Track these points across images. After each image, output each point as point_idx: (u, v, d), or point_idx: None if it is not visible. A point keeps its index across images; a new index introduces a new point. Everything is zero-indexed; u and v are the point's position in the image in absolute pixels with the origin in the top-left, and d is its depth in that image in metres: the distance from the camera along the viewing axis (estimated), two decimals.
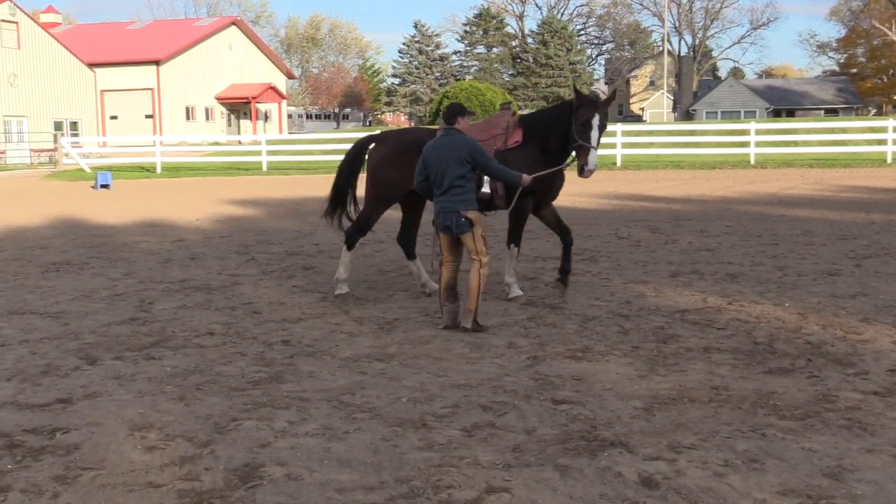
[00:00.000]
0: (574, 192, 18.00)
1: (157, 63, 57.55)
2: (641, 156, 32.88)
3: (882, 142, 31.14)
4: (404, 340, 7.44)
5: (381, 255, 12.12)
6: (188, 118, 60.18)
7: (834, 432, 5.03)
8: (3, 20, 46.89)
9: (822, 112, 74.85)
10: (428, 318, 8.21)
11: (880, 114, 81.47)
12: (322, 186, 26.23)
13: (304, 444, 5.02)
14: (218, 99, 63.50)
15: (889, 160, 30.13)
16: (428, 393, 5.92)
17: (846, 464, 4.57)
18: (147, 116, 58.06)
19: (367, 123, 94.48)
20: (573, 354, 6.86)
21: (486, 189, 8.29)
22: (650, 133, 36.19)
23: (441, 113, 8.24)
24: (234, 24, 66.81)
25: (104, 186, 27.06)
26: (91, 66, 53.31)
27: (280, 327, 8.02)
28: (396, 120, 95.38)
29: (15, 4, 47.73)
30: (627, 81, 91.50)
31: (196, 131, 57.41)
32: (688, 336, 7.36)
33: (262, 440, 5.08)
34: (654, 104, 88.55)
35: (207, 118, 62.44)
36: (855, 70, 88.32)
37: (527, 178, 8.01)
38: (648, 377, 6.23)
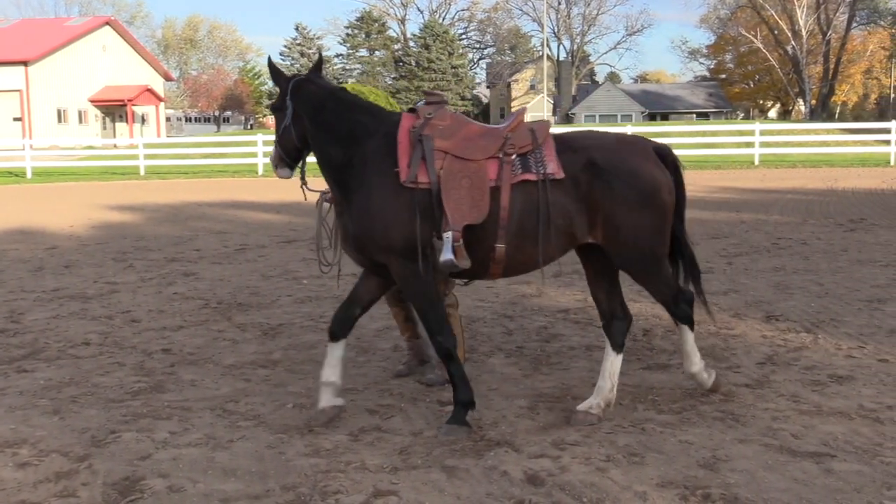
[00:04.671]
0: None
1: (25, 64, 55.14)
2: None
3: (750, 144, 32.50)
4: (289, 346, 7.35)
5: (263, 261, 11.94)
6: (60, 121, 57.87)
7: (709, 424, 5.22)
8: None
9: (694, 116, 77.67)
10: (313, 323, 8.14)
11: (748, 117, 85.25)
12: (203, 191, 25.80)
13: (187, 454, 4.90)
14: (92, 101, 61.31)
15: (756, 162, 31.50)
16: (314, 399, 5.86)
17: (720, 454, 4.74)
18: (15, 119, 55.54)
19: (249, 127, 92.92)
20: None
21: None
22: None
23: None
24: (107, 24, 64.64)
25: None
26: None
27: (160, 335, 7.81)
28: None
29: None
30: (508, 85, 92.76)
31: (69, 135, 55.13)
32: (570, 335, 7.51)
33: (143, 452, 4.94)
34: (535, 108, 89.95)
35: (81, 121, 60.19)
36: (724, 75, 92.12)
37: None
38: (533, 376, 6.33)
